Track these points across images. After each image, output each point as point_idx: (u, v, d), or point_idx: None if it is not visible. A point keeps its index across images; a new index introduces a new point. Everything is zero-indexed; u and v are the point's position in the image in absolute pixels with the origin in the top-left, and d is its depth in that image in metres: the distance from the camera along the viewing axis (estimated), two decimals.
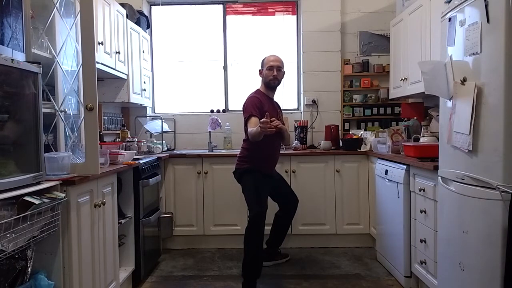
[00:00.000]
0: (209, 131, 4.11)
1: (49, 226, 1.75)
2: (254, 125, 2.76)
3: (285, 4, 4.43)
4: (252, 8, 4.48)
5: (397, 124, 3.77)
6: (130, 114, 4.27)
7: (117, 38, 3.24)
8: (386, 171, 3.03)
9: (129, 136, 3.80)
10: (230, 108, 4.46)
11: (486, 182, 1.72)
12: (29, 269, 1.73)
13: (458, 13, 1.97)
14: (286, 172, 3.68)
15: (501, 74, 1.64)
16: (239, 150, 3.09)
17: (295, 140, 4.04)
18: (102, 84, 3.46)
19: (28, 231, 1.61)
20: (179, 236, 3.76)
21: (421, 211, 2.54)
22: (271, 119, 2.62)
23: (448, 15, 2.07)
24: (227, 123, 4.20)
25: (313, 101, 4.25)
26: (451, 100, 2.00)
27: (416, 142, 2.95)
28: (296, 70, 4.46)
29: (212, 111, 4.34)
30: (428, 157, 2.51)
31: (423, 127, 3.02)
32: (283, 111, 3.30)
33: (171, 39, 4.50)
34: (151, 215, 3.16)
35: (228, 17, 4.47)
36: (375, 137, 3.65)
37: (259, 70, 3.07)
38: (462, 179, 1.90)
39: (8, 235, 1.50)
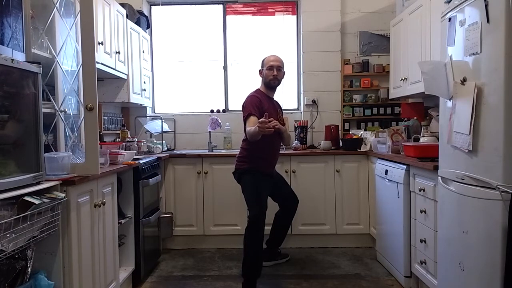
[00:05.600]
0: (209, 131, 4.11)
1: (49, 226, 1.75)
2: (253, 124, 2.75)
3: (285, 4, 4.43)
4: (252, 8, 4.48)
5: (397, 124, 3.78)
6: (130, 114, 4.27)
7: (117, 38, 3.24)
8: (386, 171, 3.03)
9: (129, 136, 3.80)
10: (230, 108, 4.46)
11: (486, 182, 1.72)
12: (29, 269, 1.73)
13: (458, 13, 1.97)
14: (286, 172, 3.68)
15: (501, 74, 1.64)
16: (239, 150, 3.09)
17: (295, 140, 4.04)
18: (102, 84, 3.46)
19: (28, 231, 1.61)
20: (179, 236, 3.76)
21: (421, 211, 2.54)
22: (270, 119, 2.62)
23: (448, 15, 2.07)
24: (227, 123, 4.20)
25: (313, 101, 4.25)
26: (451, 100, 2.00)
27: (416, 142, 2.95)
28: (296, 70, 4.46)
29: (212, 111, 4.34)
30: (428, 157, 2.51)
31: (423, 127, 3.02)
32: (283, 111, 3.30)
33: (171, 39, 4.50)
34: (151, 215, 3.16)
35: (228, 17, 4.47)
36: (375, 137, 3.65)
37: (259, 70, 3.07)
38: (462, 179, 1.90)
39: (8, 235, 1.50)
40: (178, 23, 4.49)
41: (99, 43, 2.84)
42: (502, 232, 1.63)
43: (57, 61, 2.20)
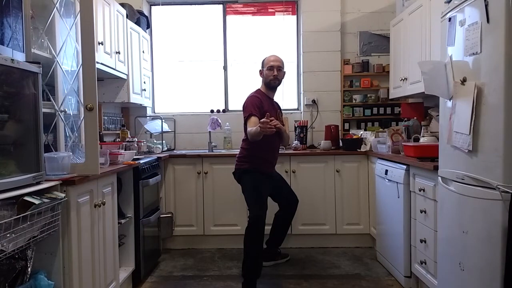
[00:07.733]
0: (209, 131, 4.11)
1: (49, 226, 1.75)
2: (253, 125, 2.76)
3: (285, 4, 4.43)
4: (252, 8, 4.48)
5: (397, 124, 3.77)
6: (130, 114, 4.27)
7: (117, 38, 3.24)
8: (386, 171, 3.03)
9: (129, 136, 3.80)
10: (230, 108, 4.46)
11: (486, 182, 1.72)
12: (29, 269, 1.73)
13: (458, 13, 1.97)
14: (286, 172, 3.68)
15: (501, 74, 1.64)
16: (239, 150, 3.09)
17: (295, 140, 4.04)
18: (102, 84, 3.46)
19: (28, 231, 1.61)
20: (179, 236, 3.76)
21: (421, 211, 2.54)
22: (271, 119, 2.62)
23: (448, 15, 2.07)
24: (227, 123, 4.20)
25: (313, 101, 4.25)
26: (451, 100, 2.00)
27: (416, 142, 2.95)
28: (296, 70, 4.46)
29: (212, 111, 4.34)
30: (428, 157, 2.51)
31: (423, 127, 3.02)
32: (283, 111, 3.30)
33: (171, 39, 4.50)
34: (151, 215, 3.16)
35: (228, 17, 4.47)
36: (375, 137, 3.65)
37: (260, 70, 3.07)
38: (462, 179, 1.90)
39: (8, 235, 1.49)
40: (178, 23, 4.49)
41: (99, 43, 2.84)
42: (502, 232, 1.63)
43: (57, 61, 2.21)
